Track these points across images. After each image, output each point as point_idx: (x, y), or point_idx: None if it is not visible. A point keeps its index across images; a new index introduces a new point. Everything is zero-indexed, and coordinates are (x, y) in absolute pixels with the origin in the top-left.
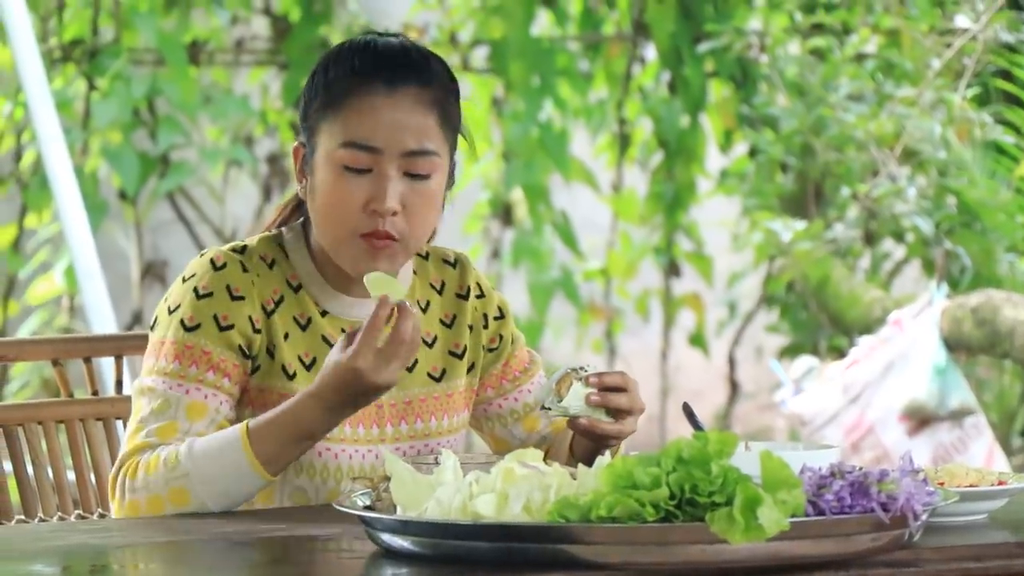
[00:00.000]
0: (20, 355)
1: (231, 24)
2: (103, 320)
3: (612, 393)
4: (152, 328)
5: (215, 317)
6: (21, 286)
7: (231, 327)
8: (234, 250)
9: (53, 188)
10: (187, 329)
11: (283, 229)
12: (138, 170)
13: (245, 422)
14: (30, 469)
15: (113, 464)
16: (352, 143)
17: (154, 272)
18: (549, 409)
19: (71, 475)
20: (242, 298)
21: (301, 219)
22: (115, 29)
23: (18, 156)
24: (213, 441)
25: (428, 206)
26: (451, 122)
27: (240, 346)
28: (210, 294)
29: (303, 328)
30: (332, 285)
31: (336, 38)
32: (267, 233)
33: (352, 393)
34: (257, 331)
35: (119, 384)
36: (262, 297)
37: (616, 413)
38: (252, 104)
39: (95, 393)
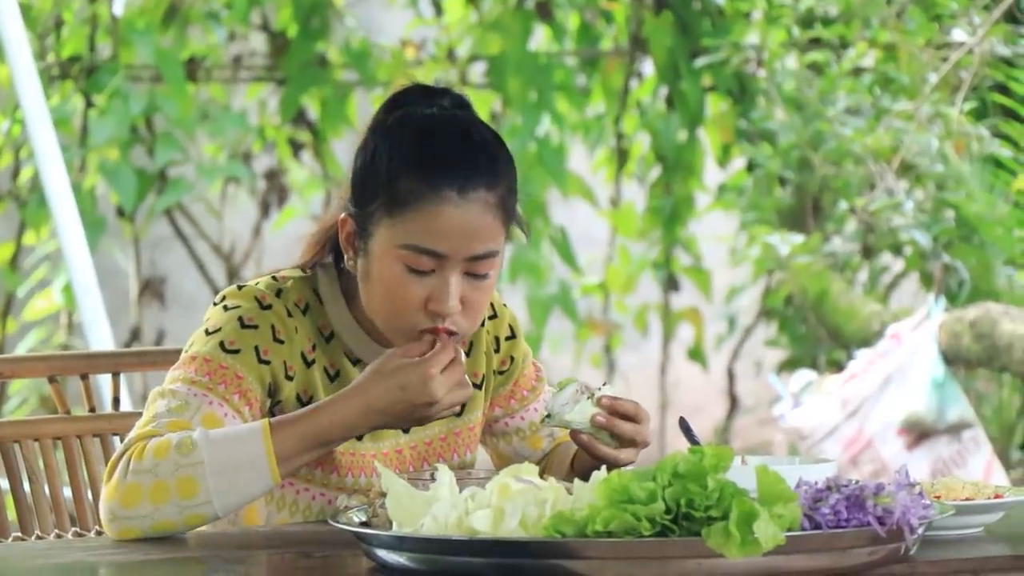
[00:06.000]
0: (17, 372)
1: (228, 40)
2: (101, 337)
3: (620, 420)
4: (186, 350)
5: (256, 348)
6: (19, 303)
7: (268, 363)
8: (272, 292)
9: (51, 205)
10: (226, 351)
11: (317, 271)
12: (136, 187)
13: (266, 418)
14: (27, 486)
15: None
16: (418, 247)
17: (152, 289)
18: (550, 417)
19: (68, 492)
20: (282, 342)
21: (331, 256)
22: (112, 46)
23: (16, 173)
24: (230, 431)
25: (485, 299)
26: (511, 215)
27: (270, 384)
28: (255, 327)
29: (332, 379)
30: (369, 334)
31: (333, 54)
32: (301, 274)
33: (406, 398)
34: (289, 378)
35: (116, 401)
36: (302, 345)
37: (618, 439)
38: (250, 120)
39: (92, 410)
